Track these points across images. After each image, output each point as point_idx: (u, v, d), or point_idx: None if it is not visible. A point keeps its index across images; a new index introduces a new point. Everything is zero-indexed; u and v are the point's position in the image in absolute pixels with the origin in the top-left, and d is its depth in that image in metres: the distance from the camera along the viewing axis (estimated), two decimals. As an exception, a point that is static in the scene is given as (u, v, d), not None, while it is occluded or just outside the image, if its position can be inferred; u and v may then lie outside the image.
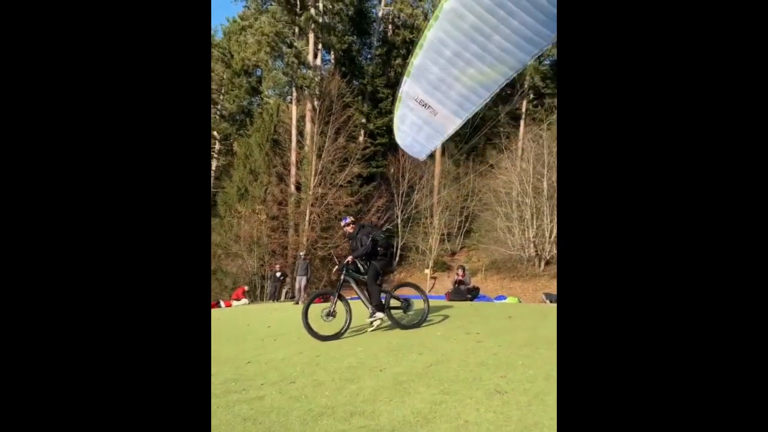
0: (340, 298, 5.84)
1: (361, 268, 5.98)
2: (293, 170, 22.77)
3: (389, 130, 26.99)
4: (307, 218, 21.29)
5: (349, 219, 6.33)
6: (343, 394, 3.32)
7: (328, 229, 21.26)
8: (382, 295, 5.88)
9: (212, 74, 27.27)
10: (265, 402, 3.33)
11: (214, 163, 26.87)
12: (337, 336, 5.49)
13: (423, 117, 5.91)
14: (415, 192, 23.59)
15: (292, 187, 22.56)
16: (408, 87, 5.77)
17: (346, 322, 5.66)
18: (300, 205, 21.80)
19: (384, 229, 6.70)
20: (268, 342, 5.68)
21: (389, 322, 5.90)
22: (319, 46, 25.01)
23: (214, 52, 27.59)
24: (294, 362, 4.52)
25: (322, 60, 25.77)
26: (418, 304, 6.25)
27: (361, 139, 25.82)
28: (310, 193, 21.54)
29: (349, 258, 5.99)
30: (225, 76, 27.53)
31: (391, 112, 27.93)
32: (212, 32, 31.12)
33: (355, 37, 27.69)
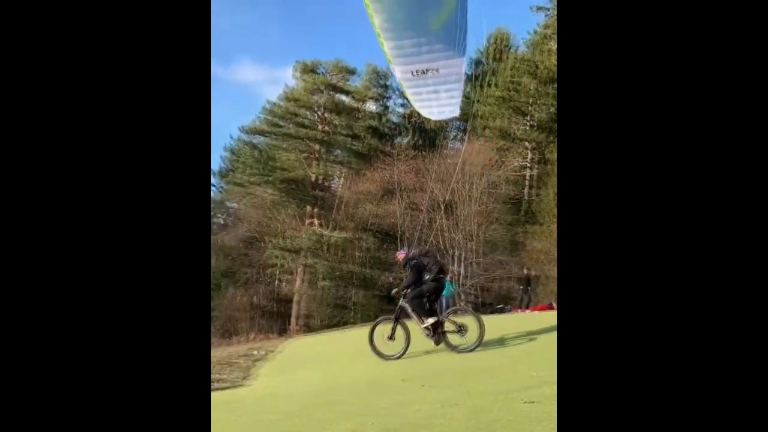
0: (399, 323, 6.56)
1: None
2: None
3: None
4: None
5: (397, 255, 7.11)
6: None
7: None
8: (433, 317, 6.43)
9: (520, 87, 28.26)
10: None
11: (527, 172, 27.66)
12: (396, 357, 6.38)
13: (431, 82, 5.87)
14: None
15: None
16: (399, 73, 5.85)
17: (403, 345, 6.48)
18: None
19: (425, 254, 6.68)
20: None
21: (441, 342, 6.37)
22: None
23: (522, 66, 28.53)
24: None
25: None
26: (473, 329, 6.28)
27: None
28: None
29: (394, 291, 6.97)
30: (532, 87, 28.14)
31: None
32: (515, 48, 32.15)
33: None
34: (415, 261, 6.55)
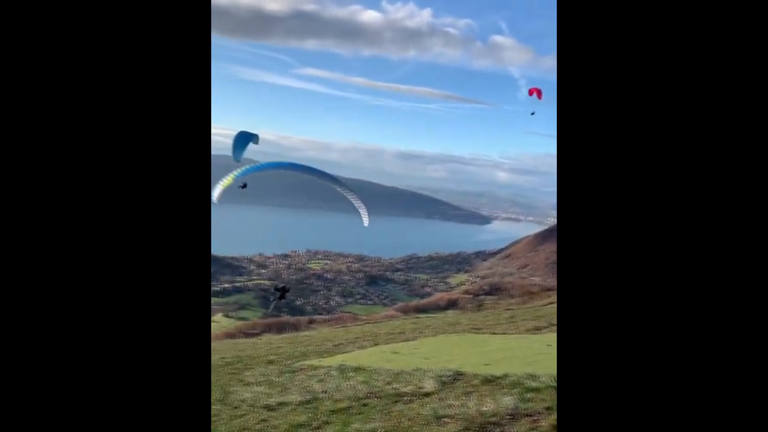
0: (274, 303, 45.93)
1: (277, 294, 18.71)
2: None
3: None
4: None
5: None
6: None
7: None
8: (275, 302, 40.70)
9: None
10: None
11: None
12: (270, 310, 50.43)
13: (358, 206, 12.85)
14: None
15: None
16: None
17: (273, 307, 47.56)
18: None
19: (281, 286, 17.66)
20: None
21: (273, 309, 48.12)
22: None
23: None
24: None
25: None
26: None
27: None
28: None
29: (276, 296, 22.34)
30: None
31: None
32: None
33: None
34: (278, 286, 19.40)
